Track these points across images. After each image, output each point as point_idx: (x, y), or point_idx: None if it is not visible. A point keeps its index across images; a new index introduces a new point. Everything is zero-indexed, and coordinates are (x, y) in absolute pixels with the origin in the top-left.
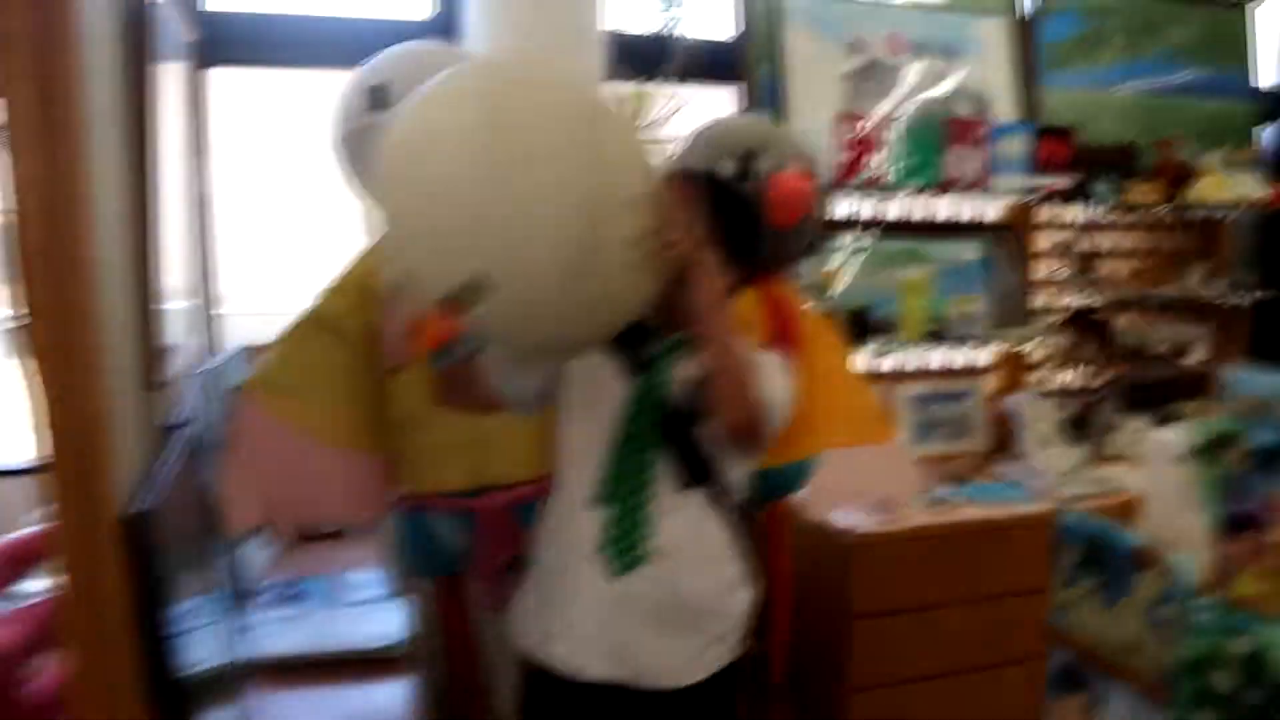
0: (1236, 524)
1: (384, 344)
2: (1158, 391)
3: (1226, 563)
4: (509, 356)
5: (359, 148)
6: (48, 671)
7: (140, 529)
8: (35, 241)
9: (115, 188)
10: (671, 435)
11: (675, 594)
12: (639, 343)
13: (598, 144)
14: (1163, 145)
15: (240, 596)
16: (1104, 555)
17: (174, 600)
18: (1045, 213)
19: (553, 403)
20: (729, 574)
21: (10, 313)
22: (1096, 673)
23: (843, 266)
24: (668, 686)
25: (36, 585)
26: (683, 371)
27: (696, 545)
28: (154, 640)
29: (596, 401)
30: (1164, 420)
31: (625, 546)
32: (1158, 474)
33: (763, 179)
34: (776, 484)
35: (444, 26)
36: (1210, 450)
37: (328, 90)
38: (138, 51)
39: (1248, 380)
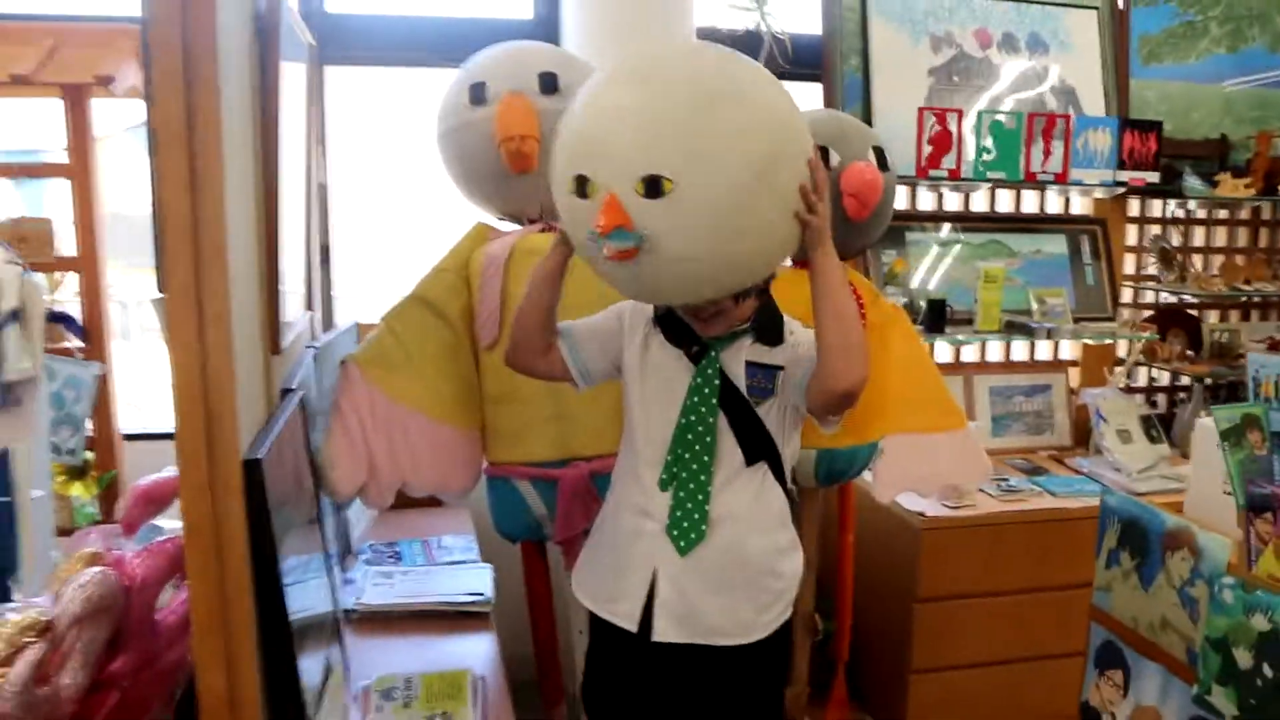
0: (1260, 505)
1: (478, 324)
2: (1246, 391)
3: (1251, 542)
4: (647, 276)
5: (460, 141)
6: (177, 600)
7: (258, 473)
8: (175, 228)
9: (245, 178)
10: (732, 416)
11: (740, 556)
12: (694, 336)
13: (782, 104)
14: (1260, 139)
15: (342, 553)
16: (1140, 536)
17: (284, 544)
18: (1134, 207)
19: (603, 380)
20: (784, 538)
21: (156, 291)
22: (1132, 650)
23: (921, 257)
24: (735, 644)
25: (169, 523)
26: (739, 355)
27: (755, 511)
28: (267, 578)
29: (664, 390)
30: None
31: (689, 526)
32: (1201, 458)
33: (836, 171)
34: (840, 465)
35: (544, 25)
36: (1235, 434)
37: (434, 87)
38: (268, 54)
39: (1274, 364)
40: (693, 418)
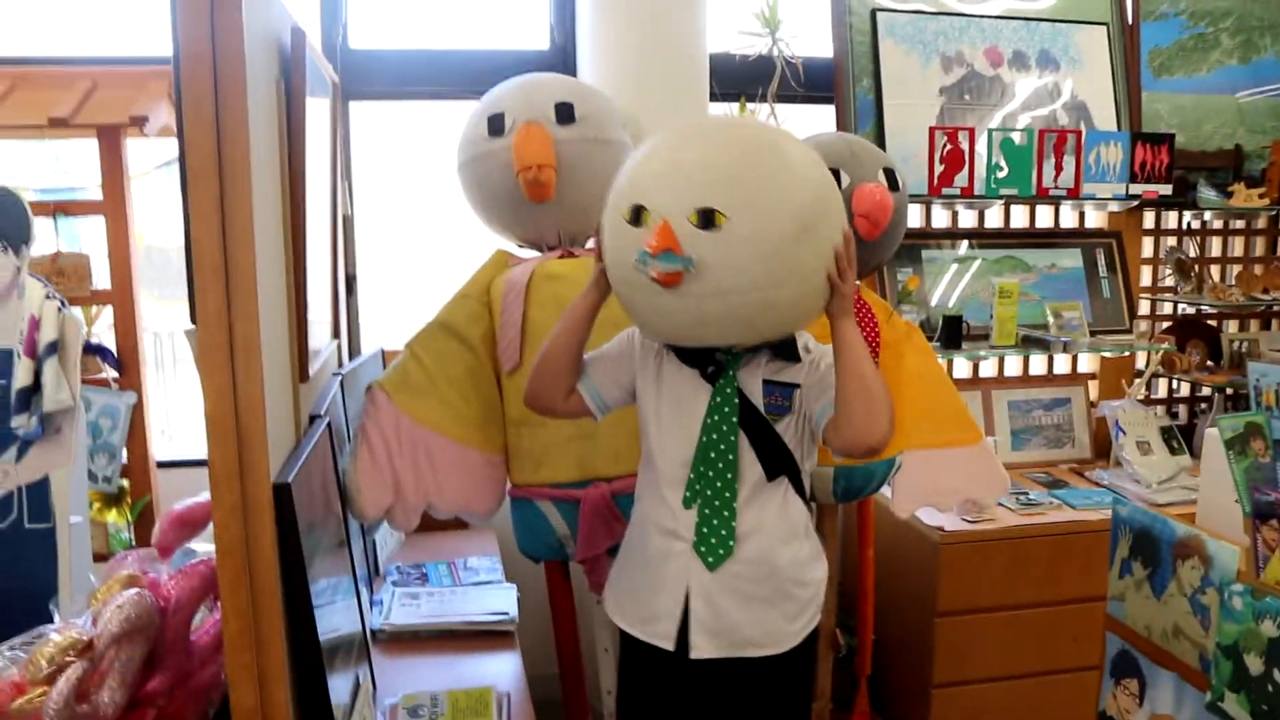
0: (1266, 512)
1: (500, 349)
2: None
3: (1258, 549)
4: (691, 308)
5: (479, 171)
6: (211, 621)
7: (287, 497)
8: (205, 261)
9: (272, 211)
10: (751, 434)
11: (768, 568)
12: (709, 356)
13: (823, 173)
14: (1275, 148)
15: (370, 575)
16: (1151, 545)
17: (313, 566)
18: (1149, 219)
19: (619, 408)
20: (807, 547)
21: (189, 323)
22: (1146, 659)
23: (937, 274)
24: (769, 654)
25: (202, 546)
26: (755, 373)
27: (780, 523)
28: (297, 598)
29: (681, 410)
30: None
31: (716, 543)
32: (1211, 467)
33: (846, 192)
34: (858, 482)
35: (560, 55)
36: (1240, 442)
37: (454, 119)
38: (293, 91)
39: (1274, 373)
40: (714, 436)
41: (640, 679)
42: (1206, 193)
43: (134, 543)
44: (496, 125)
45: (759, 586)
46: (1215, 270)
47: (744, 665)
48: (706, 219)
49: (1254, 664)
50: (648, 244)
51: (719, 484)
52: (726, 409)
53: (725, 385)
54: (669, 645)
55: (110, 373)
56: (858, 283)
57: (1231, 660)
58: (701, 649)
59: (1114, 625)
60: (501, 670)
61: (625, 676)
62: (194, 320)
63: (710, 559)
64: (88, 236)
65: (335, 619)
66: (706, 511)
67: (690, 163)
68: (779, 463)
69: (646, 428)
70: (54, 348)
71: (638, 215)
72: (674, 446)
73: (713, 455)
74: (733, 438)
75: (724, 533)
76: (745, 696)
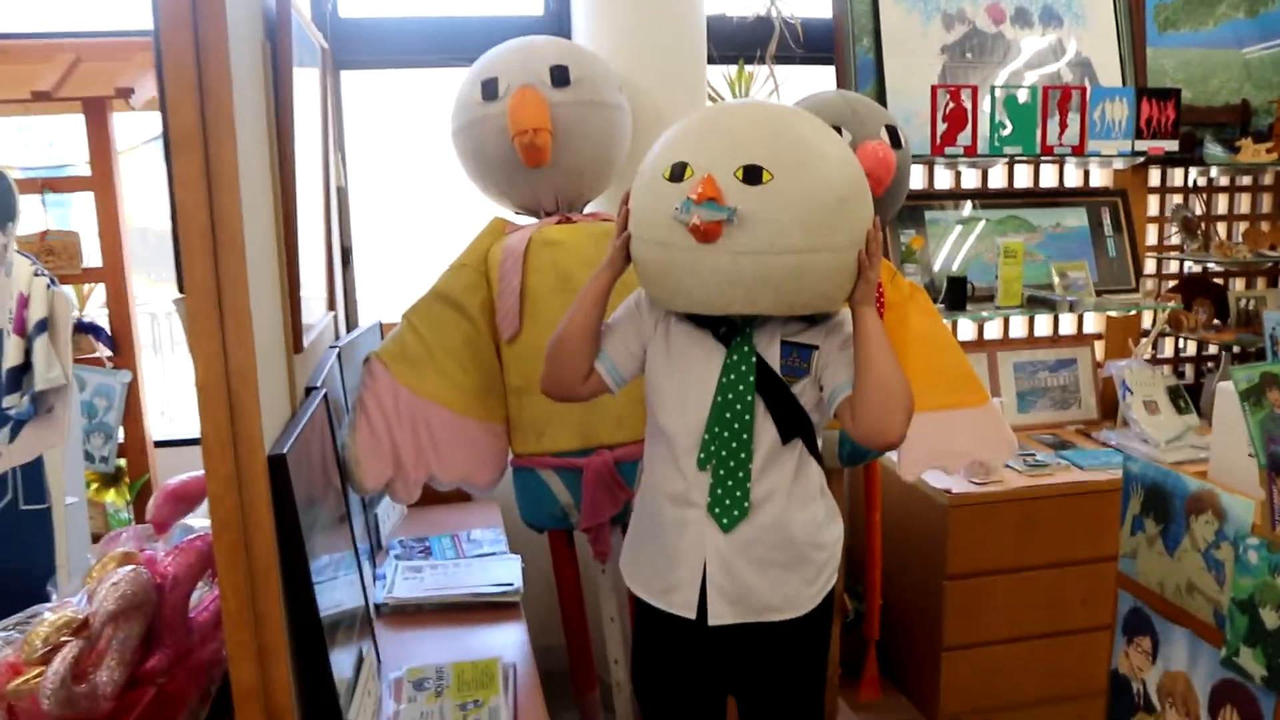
0: None
1: (499, 317)
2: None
3: (1274, 502)
4: (725, 265)
5: (474, 137)
6: (210, 598)
7: (283, 468)
8: (191, 226)
9: (261, 181)
10: (767, 395)
11: (785, 534)
12: (721, 318)
13: (856, 162)
14: None
15: (373, 549)
16: (1163, 501)
17: (312, 540)
18: (1155, 177)
19: (635, 378)
20: (822, 509)
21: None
22: (1159, 616)
23: (941, 236)
24: (787, 618)
25: (199, 522)
26: (774, 335)
27: (796, 487)
28: (296, 571)
29: (692, 373)
30: None
31: (731, 504)
32: (1222, 422)
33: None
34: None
35: (555, 20)
36: (1255, 394)
37: (449, 87)
38: (279, 57)
39: None
40: (730, 396)
41: (657, 646)
42: (1213, 149)
43: (133, 522)
44: (490, 90)
45: (777, 552)
46: (1222, 227)
47: (763, 630)
48: (751, 174)
49: (1270, 618)
50: (693, 192)
51: (734, 444)
52: (744, 367)
53: (742, 344)
54: (690, 614)
55: (104, 351)
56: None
57: (1247, 615)
58: (720, 615)
59: (1126, 583)
60: (507, 641)
61: (639, 645)
62: (181, 289)
63: (725, 520)
64: (77, 215)
65: (337, 594)
66: (721, 473)
67: (734, 125)
68: (795, 425)
69: (658, 394)
70: (43, 325)
71: (680, 172)
72: (688, 411)
73: (728, 415)
74: (749, 397)
75: (739, 494)
76: (765, 661)
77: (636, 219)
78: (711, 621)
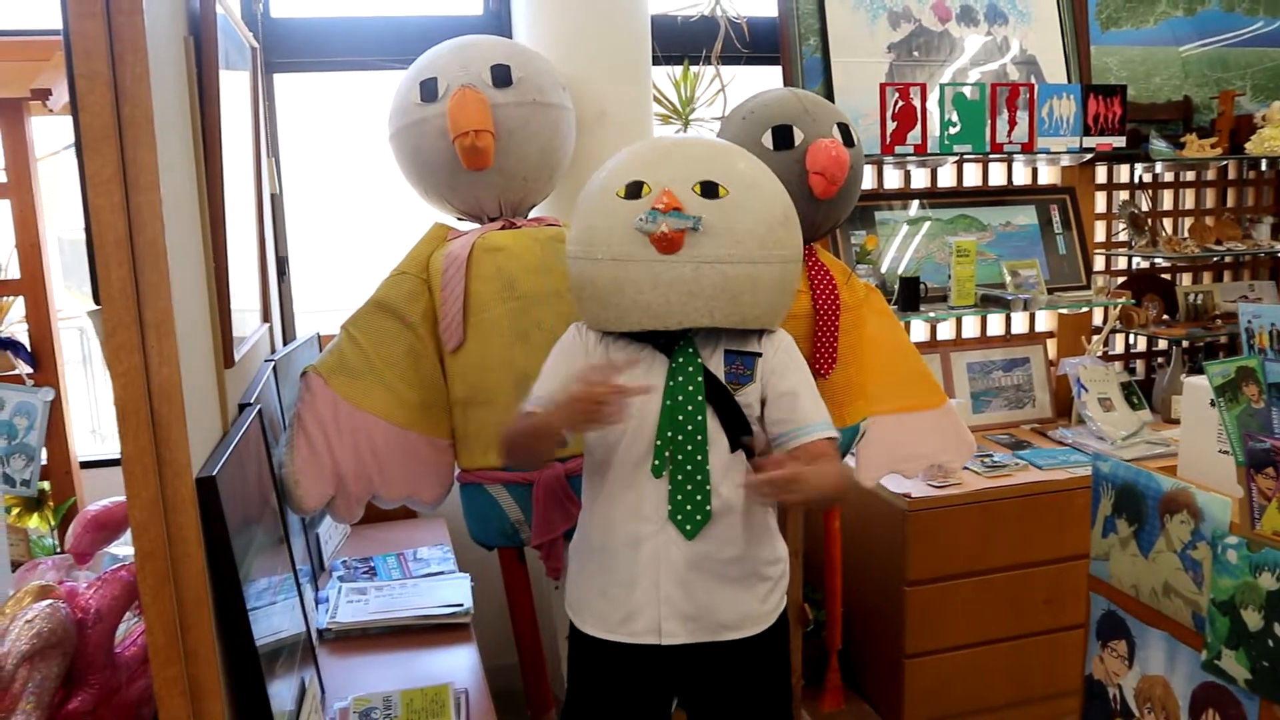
0: (1261, 460)
1: (442, 327)
2: (1224, 352)
3: (1253, 499)
4: (687, 276)
5: (412, 139)
6: (139, 630)
7: (213, 490)
8: (106, 231)
9: (186, 185)
10: (714, 403)
11: (738, 550)
12: (659, 333)
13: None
14: (1223, 98)
15: (315, 571)
16: (1136, 501)
17: (247, 565)
18: (1102, 174)
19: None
20: (771, 523)
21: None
22: (1134, 619)
23: (892, 236)
24: (744, 636)
25: (125, 550)
26: (716, 346)
27: (748, 500)
28: (229, 601)
29: (641, 381)
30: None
31: (693, 509)
32: (1191, 419)
33: (800, 149)
34: None
35: (495, 20)
36: (1231, 389)
37: (386, 90)
38: (204, 56)
39: (1268, 314)
40: (680, 398)
41: (601, 682)
42: (1158, 145)
43: (60, 549)
44: (429, 91)
45: (733, 567)
46: (1168, 223)
47: (720, 650)
48: (709, 189)
49: (1252, 619)
50: (658, 203)
51: (690, 447)
52: (690, 369)
53: (686, 347)
54: (655, 639)
55: (24, 369)
56: (815, 244)
57: (1228, 616)
58: (674, 634)
59: (1099, 586)
60: (458, 665)
61: (582, 683)
62: (97, 300)
63: (688, 526)
64: None
65: (275, 621)
66: (679, 477)
67: (684, 149)
68: (743, 433)
69: None
70: None
71: (637, 189)
72: (635, 421)
73: (680, 418)
74: (700, 397)
75: (699, 498)
76: (724, 682)
77: (586, 240)
78: (665, 641)
